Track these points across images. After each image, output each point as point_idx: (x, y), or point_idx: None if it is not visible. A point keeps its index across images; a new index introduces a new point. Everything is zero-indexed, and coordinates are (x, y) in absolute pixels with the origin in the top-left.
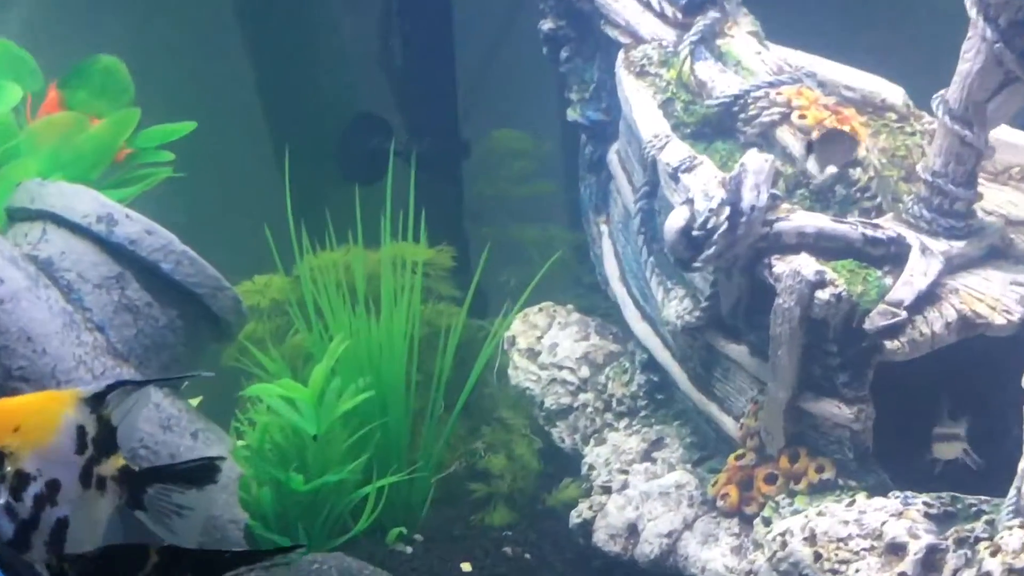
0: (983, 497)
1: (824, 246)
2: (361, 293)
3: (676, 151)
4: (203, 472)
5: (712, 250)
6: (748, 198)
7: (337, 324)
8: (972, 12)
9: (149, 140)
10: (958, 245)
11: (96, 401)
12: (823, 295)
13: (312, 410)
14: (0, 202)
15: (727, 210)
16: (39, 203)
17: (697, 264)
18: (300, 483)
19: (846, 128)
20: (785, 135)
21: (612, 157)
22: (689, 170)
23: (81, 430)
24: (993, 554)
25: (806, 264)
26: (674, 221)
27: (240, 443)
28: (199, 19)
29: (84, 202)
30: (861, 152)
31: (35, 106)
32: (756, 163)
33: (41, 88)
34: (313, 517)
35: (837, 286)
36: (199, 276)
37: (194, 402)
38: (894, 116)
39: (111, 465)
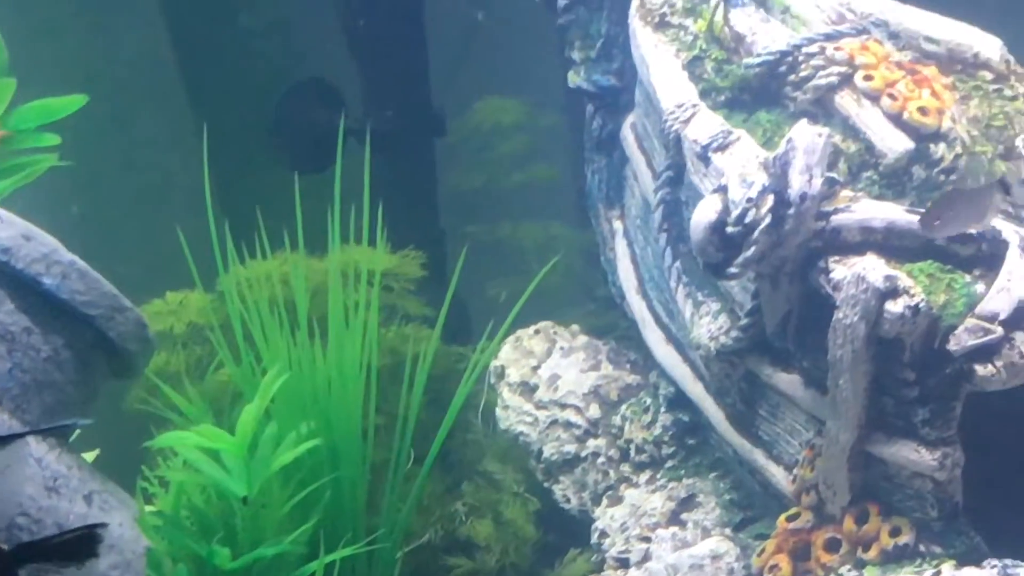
0: None
1: (897, 245)
2: (303, 313)
3: (706, 125)
4: (83, 544)
5: (752, 251)
6: (798, 184)
7: (272, 354)
8: None
9: (28, 119)
10: None
11: None
12: (895, 307)
13: (241, 465)
14: None
15: (770, 199)
16: None
17: (734, 269)
18: (227, 559)
19: (925, 91)
20: (847, 102)
21: (627, 133)
22: (722, 148)
23: None
24: None
25: (873, 268)
26: (703, 214)
27: (149, 508)
28: None
29: None
30: (946, 123)
31: None
32: (808, 139)
33: None
34: None
35: (913, 296)
36: (92, 294)
37: (88, 457)
38: (989, 76)
39: None
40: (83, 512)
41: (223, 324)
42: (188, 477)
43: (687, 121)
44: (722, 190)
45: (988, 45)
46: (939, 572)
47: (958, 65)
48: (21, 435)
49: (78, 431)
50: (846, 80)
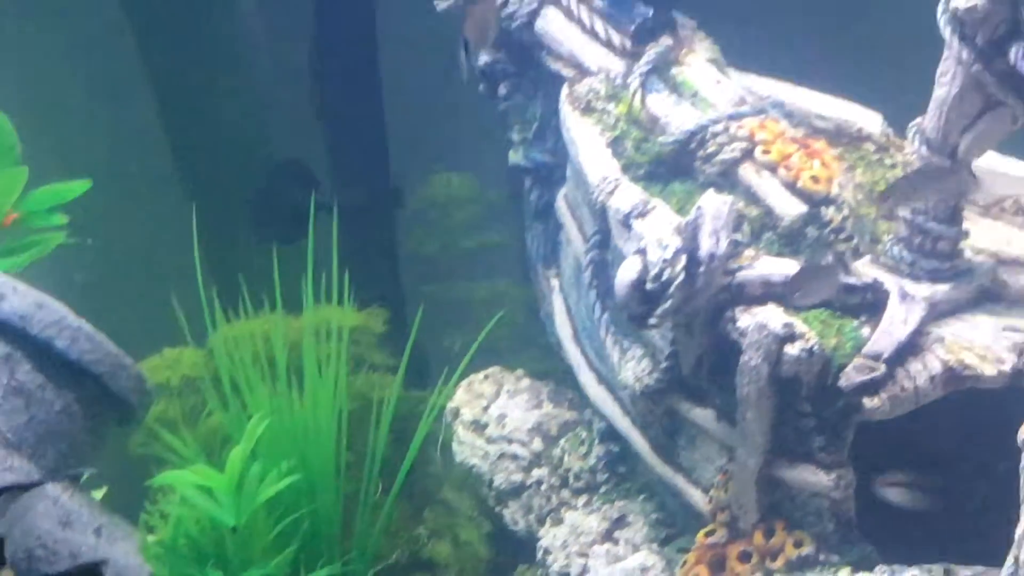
0: (979, 568)
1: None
2: (282, 366)
3: (627, 195)
4: None
5: (668, 304)
6: (706, 245)
7: (256, 401)
8: (946, 32)
9: (39, 202)
10: (943, 289)
11: None
12: (793, 350)
13: (231, 499)
14: None
15: (683, 259)
16: None
17: (653, 320)
18: None
19: (816, 163)
20: (748, 173)
21: (560, 204)
22: (642, 216)
23: None
24: None
25: (773, 316)
26: (626, 273)
27: (151, 538)
28: (94, 65)
29: None
30: (834, 189)
31: None
32: (715, 206)
33: None
34: None
35: (808, 340)
36: (98, 353)
37: (98, 494)
38: (872, 147)
39: None
40: (93, 543)
41: (213, 376)
42: (185, 510)
43: (611, 192)
44: (642, 252)
45: (870, 120)
46: None
47: (845, 138)
48: (39, 483)
49: (87, 474)
50: (747, 154)
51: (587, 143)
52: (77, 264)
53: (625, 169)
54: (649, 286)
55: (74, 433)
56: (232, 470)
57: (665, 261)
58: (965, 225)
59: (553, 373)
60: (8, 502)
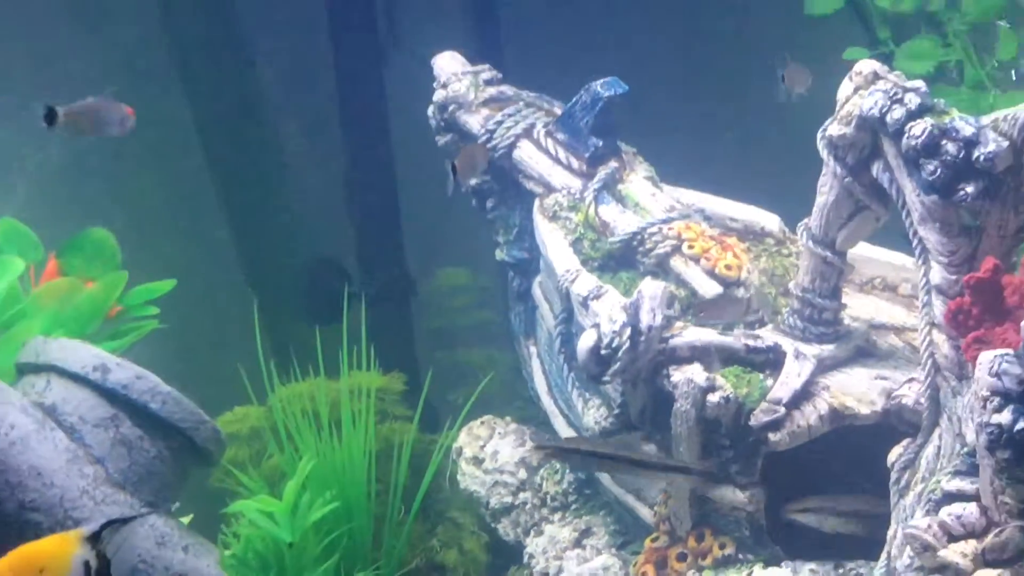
0: (860, 561)
1: (713, 356)
2: (325, 418)
3: (585, 282)
4: None
5: (618, 365)
6: (646, 320)
7: (305, 446)
8: (824, 153)
9: (136, 298)
10: (828, 348)
11: (94, 538)
12: (714, 398)
13: (287, 521)
14: (10, 359)
15: (629, 331)
16: (44, 357)
17: (606, 378)
18: None
19: (729, 255)
20: (677, 263)
21: (535, 289)
22: (597, 298)
23: (87, 565)
24: None
25: (698, 373)
26: (585, 342)
27: (227, 553)
28: (180, 187)
29: (82, 355)
30: (743, 274)
31: (37, 274)
32: (652, 289)
33: (42, 258)
34: None
35: (725, 390)
36: (182, 413)
37: (185, 520)
38: (772, 241)
39: None
40: (182, 558)
41: (272, 427)
42: (252, 531)
43: (573, 280)
44: (597, 326)
45: (770, 221)
46: (752, 572)
47: (751, 235)
48: (142, 515)
49: (176, 505)
50: (676, 249)
51: (554, 243)
52: (167, 343)
53: (583, 263)
54: (603, 352)
55: (165, 474)
56: (288, 499)
57: (615, 333)
58: (844, 299)
59: (533, 419)
60: (114, 532)
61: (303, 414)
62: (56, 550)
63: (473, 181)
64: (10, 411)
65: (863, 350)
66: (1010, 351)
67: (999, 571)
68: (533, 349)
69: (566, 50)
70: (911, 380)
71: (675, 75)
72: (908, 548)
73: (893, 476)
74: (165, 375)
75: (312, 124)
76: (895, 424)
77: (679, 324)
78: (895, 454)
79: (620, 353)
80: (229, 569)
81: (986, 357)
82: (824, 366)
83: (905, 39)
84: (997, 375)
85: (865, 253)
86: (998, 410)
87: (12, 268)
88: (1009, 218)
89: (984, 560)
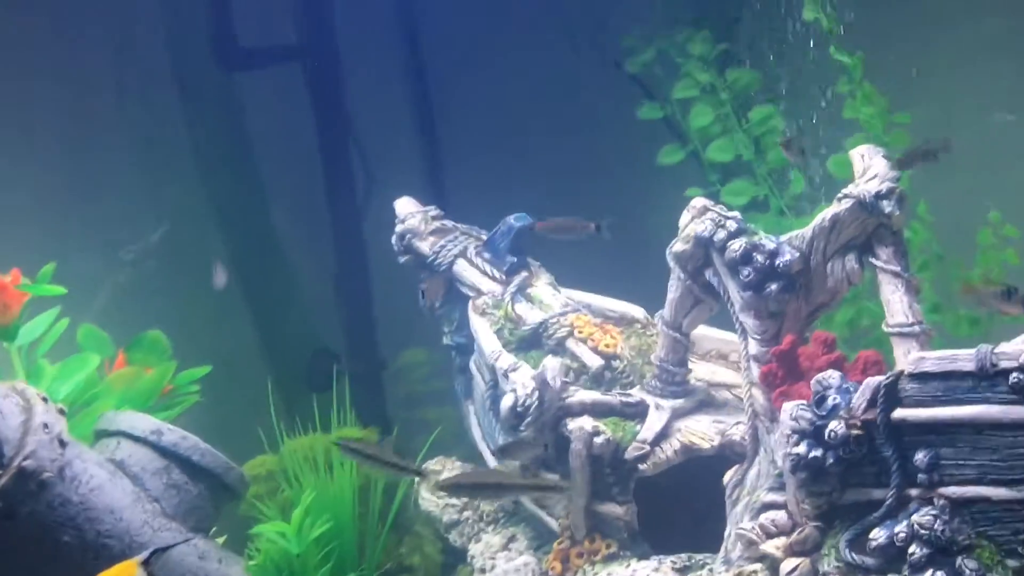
0: (708, 555)
1: (598, 410)
2: (321, 462)
3: (506, 359)
4: None
5: (530, 418)
6: (549, 385)
7: (307, 483)
8: (671, 262)
9: (183, 380)
10: (679, 402)
11: (147, 563)
12: (599, 440)
13: (294, 538)
14: (90, 427)
15: (537, 394)
16: (114, 426)
17: (522, 429)
18: None
19: (608, 337)
20: (571, 344)
21: (472, 365)
22: (514, 370)
23: None
24: None
25: (587, 423)
26: (506, 402)
27: (251, 563)
28: (217, 301)
29: (142, 423)
30: (619, 350)
31: (111, 364)
32: (552, 364)
33: (113, 354)
34: None
35: (607, 434)
36: (216, 462)
37: (220, 540)
38: (639, 325)
39: None
40: (217, 566)
41: (283, 470)
42: (269, 546)
43: (497, 358)
44: (514, 391)
45: (637, 311)
46: (630, 564)
47: (624, 322)
48: (181, 543)
49: (213, 529)
50: (570, 333)
51: (483, 332)
52: (209, 412)
53: (504, 345)
54: (519, 409)
55: (205, 507)
56: (295, 522)
57: (527, 395)
58: (690, 366)
59: (473, 459)
60: (160, 556)
61: (305, 460)
62: (125, 572)
63: (423, 287)
64: (90, 465)
65: (705, 402)
66: (804, 402)
67: (802, 559)
68: (471, 408)
69: (494, 189)
70: (738, 423)
71: (576, 203)
72: (739, 544)
73: (727, 492)
74: (205, 435)
75: (310, 253)
76: (728, 455)
77: (572, 388)
78: (728, 476)
79: (531, 410)
80: (254, 574)
81: (788, 406)
82: (677, 415)
83: (728, 181)
84: (795, 419)
85: (704, 332)
86: (797, 444)
87: (90, 362)
88: (802, 306)
89: (792, 551)
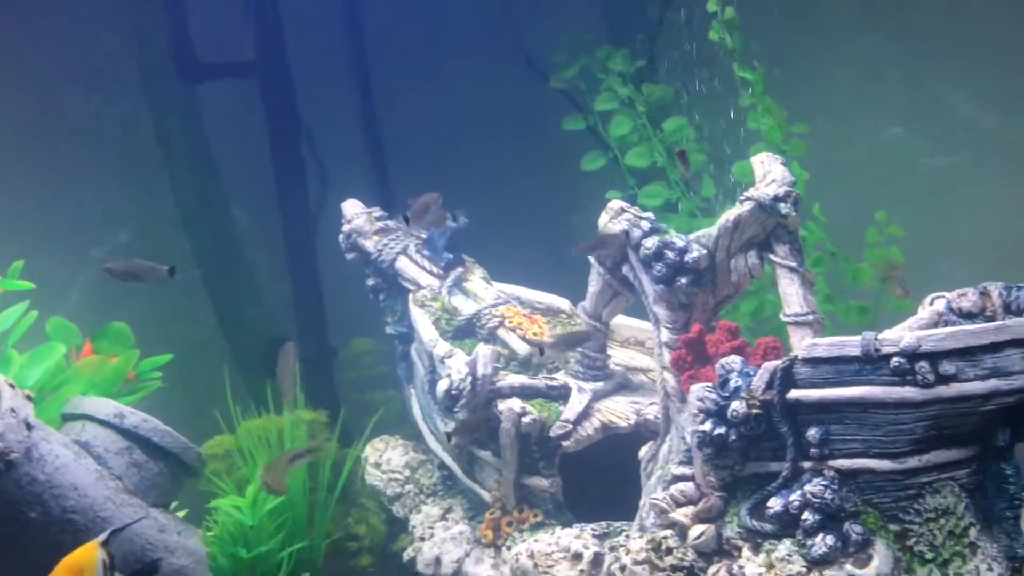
0: (625, 522)
1: (526, 393)
2: (274, 441)
3: (442, 347)
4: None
5: (464, 401)
6: (480, 371)
7: (261, 460)
8: (591, 259)
9: (146, 367)
10: (600, 385)
11: (106, 543)
12: (526, 420)
13: (249, 510)
14: (57, 411)
15: (470, 378)
16: (80, 410)
17: (456, 410)
18: (244, 554)
19: (535, 326)
20: (503, 333)
21: (412, 352)
22: (449, 357)
23: (104, 562)
24: (626, 553)
25: (515, 404)
26: (442, 386)
27: (210, 533)
28: (179, 296)
29: (106, 407)
30: (545, 338)
31: (79, 353)
32: (484, 351)
33: (81, 343)
34: (253, 573)
35: (533, 414)
36: (175, 442)
37: (181, 514)
38: (564, 315)
39: None
40: (176, 539)
41: (239, 449)
42: (226, 518)
43: (434, 346)
44: (449, 376)
45: (563, 303)
46: (555, 531)
47: (551, 313)
48: (142, 518)
49: (174, 504)
50: (501, 323)
51: (422, 322)
52: (169, 397)
53: (441, 335)
54: (453, 392)
55: (164, 484)
56: (249, 496)
57: (461, 380)
58: (610, 352)
59: (414, 437)
60: (119, 533)
61: (259, 439)
62: (87, 554)
63: (370, 282)
64: (56, 446)
65: (623, 384)
66: (710, 384)
67: (707, 526)
68: (412, 391)
69: (435, 192)
70: (652, 403)
71: (508, 204)
72: (652, 512)
73: (643, 465)
74: (173, 417)
75: (266, 251)
76: (643, 432)
77: (503, 373)
78: (643, 451)
79: (464, 393)
80: (212, 544)
81: (695, 388)
82: (598, 396)
83: (644, 185)
84: (701, 400)
85: (623, 321)
86: (703, 422)
87: (57, 351)
88: (709, 298)
89: (698, 519)
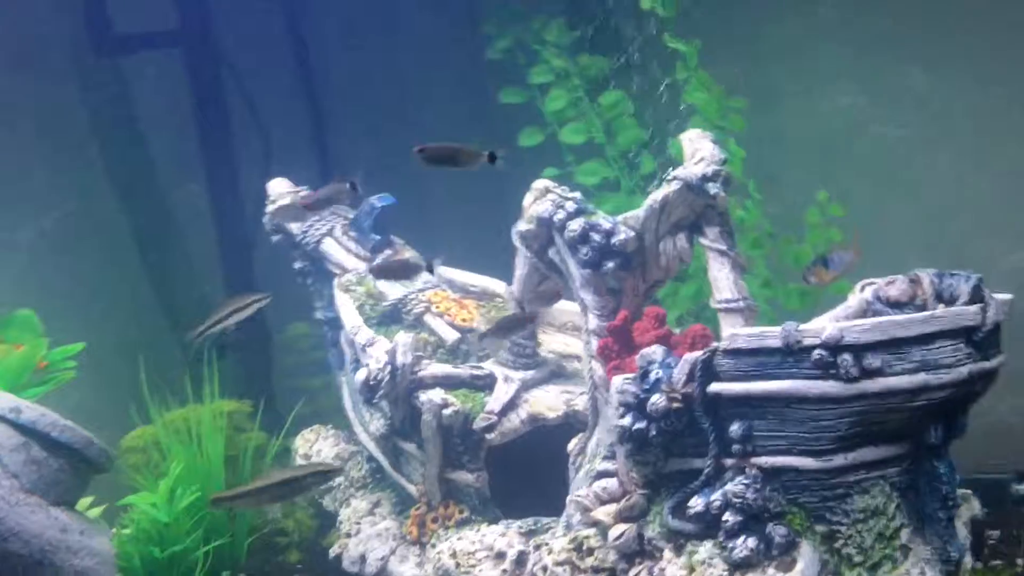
0: (555, 518)
1: (449, 383)
2: (193, 434)
3: (364, 334)
4: None
5: (383, 391)
6: (400, 360)
7: (179, 453)
8: (517, 242)
9: (58, 356)
10: (530, 373)
11: None
12: (448, 411)
13: (164, 507)
14: None
15: (389, 367)
16: None
17: (377, 400)
18: (159, 552)
19: (464, 311)
20: (430, 319)
21: (341, 338)
22: (371, 345)
23: None
24: (548, 553)
25: (437, 394)
26: (360, 376)
27: (125, 531)
28: (106, 276)
29: (1, 401)
30: (475, 324)
31: None
32: (404, 339)
33: None
34: (169, 573)
35: (456, 405)
36: (77, 438)
37: (98, 511)
38: (500, 299)
39: None
40: (79, 539)
41: (158, 442)
42: (141, 516)
43: (356, 333)
44: (367, 365)
45: (498, 286)
46: (480, 529)
47: (487, 296)
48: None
49: (78, 501)
50: (428, 308)
51: (346, 308)
52: (79, 389)
53: (365, 321)
54: (372, 383)
55: (67, 481)
56: (164, 491)
57: (379, 369)
58: (543, 337)
59: (345, 428)
60: None
61: (178, 432)
62: None
63: (297, 265)
64: None
65: (555, 373)
66: (630, 375)
67: (629, 525)
68: (343, 379)
69: (372, 170)
70: (583, 393)
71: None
72: (577, 510)
73: (571, 459)
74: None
75: (199, 234)
76: (573, 424)
77: (426, 362)
78: (572, 444)
79: (384, 383)
80: (125, 543)
81: (616, 380)
82: (527, 385)
83: (582, 162)
84: (621, 392)
85: (561, 306)
86: (623, 416)
87: None
88: (639, 283)
89: (620, 517)
